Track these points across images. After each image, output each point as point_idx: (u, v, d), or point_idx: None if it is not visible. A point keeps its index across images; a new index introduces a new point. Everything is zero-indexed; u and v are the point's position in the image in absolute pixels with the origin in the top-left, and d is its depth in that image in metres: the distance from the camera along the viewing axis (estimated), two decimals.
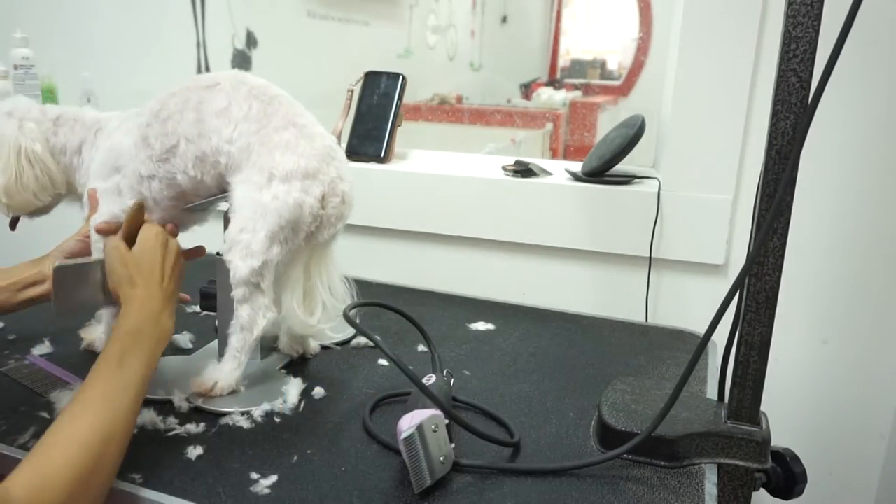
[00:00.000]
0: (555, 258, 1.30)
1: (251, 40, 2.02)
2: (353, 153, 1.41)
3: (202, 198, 0.89)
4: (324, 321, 0.88)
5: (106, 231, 0.87)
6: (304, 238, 0.83)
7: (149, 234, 0.84)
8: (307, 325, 0.87)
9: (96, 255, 0.89)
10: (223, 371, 0.83)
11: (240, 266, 0.81)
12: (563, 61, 2.33)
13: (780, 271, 0.71)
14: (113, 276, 0.82)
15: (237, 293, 0.82)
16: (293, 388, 0.85)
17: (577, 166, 1.32)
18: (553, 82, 2.31)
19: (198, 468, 0.71)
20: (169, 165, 0.86)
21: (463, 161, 1.48)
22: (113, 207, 0.89)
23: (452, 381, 0.85)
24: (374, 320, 1.12)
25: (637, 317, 1.23)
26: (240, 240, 0.81)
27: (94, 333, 0.99)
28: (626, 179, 1.25)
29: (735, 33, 1.12)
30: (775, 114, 0.68)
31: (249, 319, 0.83)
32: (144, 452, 0.73)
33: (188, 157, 0.85)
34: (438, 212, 1.33)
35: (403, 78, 1.40)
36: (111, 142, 0.90)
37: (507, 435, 0.80)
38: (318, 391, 0.88)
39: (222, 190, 0.87)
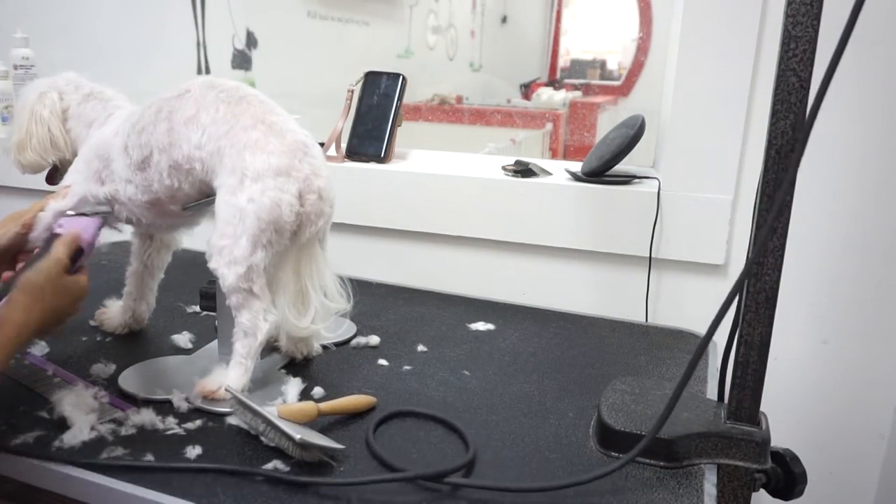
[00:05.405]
0: (555, 258, 1.30)
1: (251, 40, 2.03)
2: (353, 153, 1.41)
3: (180, 204, 0.90)
4: (318, 322, 0.88)
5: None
6: (289, 238, 0.83)
7: (82, 283, 0.83)
8: (299, 326, 0.87)
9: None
10: (230, 377, 0.83)
11: (226, 274, 0.81)
12: (563, 61, 2.33)
13: (779, 271, 0.71)
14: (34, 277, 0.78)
15: (231, 301, 0.82)
16: (293, 388, 0.85)
17: (577, 166, 1.32)
18: (553, 82, 2.31)
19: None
20: (145, 174, 0.87)
21: (463, 161, 1.48)
22: (91, 188, 0.92)
23: None
24: (373, 320, 1.12)
25: (637, 317, 1.23)
26: (222, 247, 0.81)
27: (107, 313, 1.05)
28: (626, 179, 1.25)
29: (735, 33, 1.12)
30: (775, 113, 0.68)
31: (251, 325, 0.82)
32: (143, 452, 0.73)
33: (162, 167, 0.86)
34: (438, 212, 1.33)
35: (403, 78, 1.40)
36: (104, 132, 0.93)
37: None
38: (318, 391, 0.88)
39: (207, 195, 0.87)
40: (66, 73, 0.99)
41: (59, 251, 0.82)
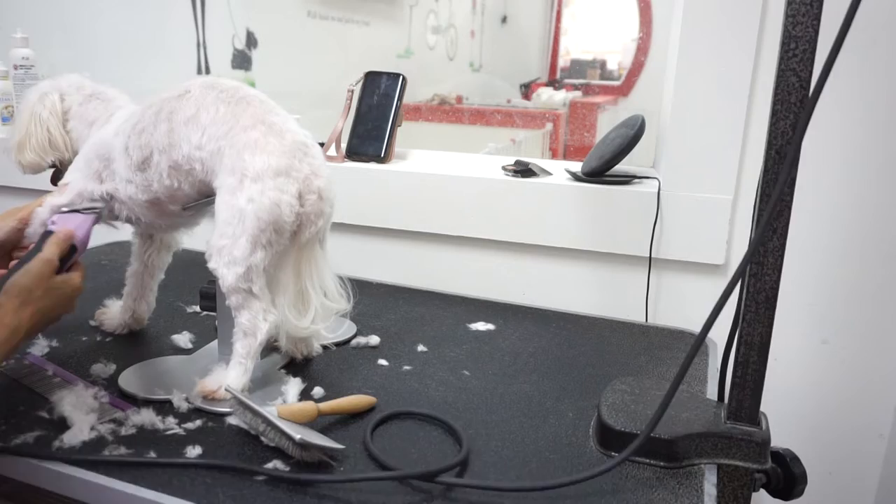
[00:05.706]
0: (555, 258, 1.30)
1: (251, 40, 2.02)
2: (353, 153, 1.41)
3: (180, 204, 0.90)
4: (318, 322, 0.88)
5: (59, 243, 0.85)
6: (289, 238, 0.83)
7: (75, 282, 0.83)
8: (300, 327, 0.87)
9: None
10: (230, 377, 0.83)
11: (225, 274, 0.81)
12: (563, 61, 2.33)
13: (779, 271, 0.71)
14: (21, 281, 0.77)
15: (231, 301, 0.82)
16: (292, 388, 0.85)
17: (577, 166, 1.32)
18: (553, 82, 2.31)
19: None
20: (146, 174, 0.87)
21: (463, 161, 1.48)
22: (88, 185, 0.91)
23: None
24: (373, 320, 1.12)
25: (637, 317, 1.23)
26: (221, 247, 0.81)
27: (108, 314, 1.05)
28: (626, 179, 1.25)
29: (735, 33, 1.12)
30: (775, 113, 0.68)
31: (251, 325, 0.82)
32: (143, 452, 0.73)
33: (162, 167, 0.86)
34: (438, 212, 1.33)
35: (403, 78, 1.40)
36: (105, 132, 0.93)
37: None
38: (318, 391, 0.88)
39: (207, 195, 0.87)
40: (70, 75, 1.00)
41: (49, 251, 0.82)
